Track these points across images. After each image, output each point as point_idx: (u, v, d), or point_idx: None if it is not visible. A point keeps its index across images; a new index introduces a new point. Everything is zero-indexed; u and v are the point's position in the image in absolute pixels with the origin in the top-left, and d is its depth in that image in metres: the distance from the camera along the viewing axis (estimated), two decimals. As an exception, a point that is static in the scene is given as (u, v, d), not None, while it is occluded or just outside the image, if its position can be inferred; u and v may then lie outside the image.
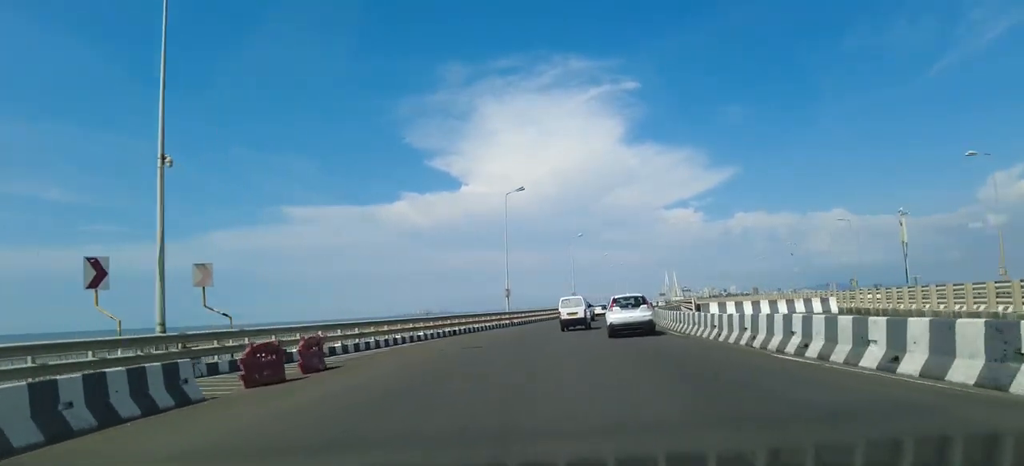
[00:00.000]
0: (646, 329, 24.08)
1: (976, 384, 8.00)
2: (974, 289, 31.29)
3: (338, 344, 22.68)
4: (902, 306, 37.97)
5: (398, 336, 28.65)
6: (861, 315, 15.84)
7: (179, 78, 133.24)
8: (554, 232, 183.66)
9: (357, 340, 24.50)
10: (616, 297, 25.07)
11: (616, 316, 24.17)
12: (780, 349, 14.59)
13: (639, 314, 24.08)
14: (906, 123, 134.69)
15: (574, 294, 35.84)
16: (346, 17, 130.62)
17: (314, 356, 16.75)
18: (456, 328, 36.35)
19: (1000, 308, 27.32)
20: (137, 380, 10.16)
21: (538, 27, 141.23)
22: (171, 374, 11.02)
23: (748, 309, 43.38)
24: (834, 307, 48.12)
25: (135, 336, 15.84)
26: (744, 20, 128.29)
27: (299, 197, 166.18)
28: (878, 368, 10.26)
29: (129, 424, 9.19)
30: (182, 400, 10.86)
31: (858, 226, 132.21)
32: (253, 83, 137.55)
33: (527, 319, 53.81)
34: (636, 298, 24.93)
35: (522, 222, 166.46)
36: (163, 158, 17.11)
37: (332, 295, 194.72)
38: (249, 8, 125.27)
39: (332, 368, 17.04)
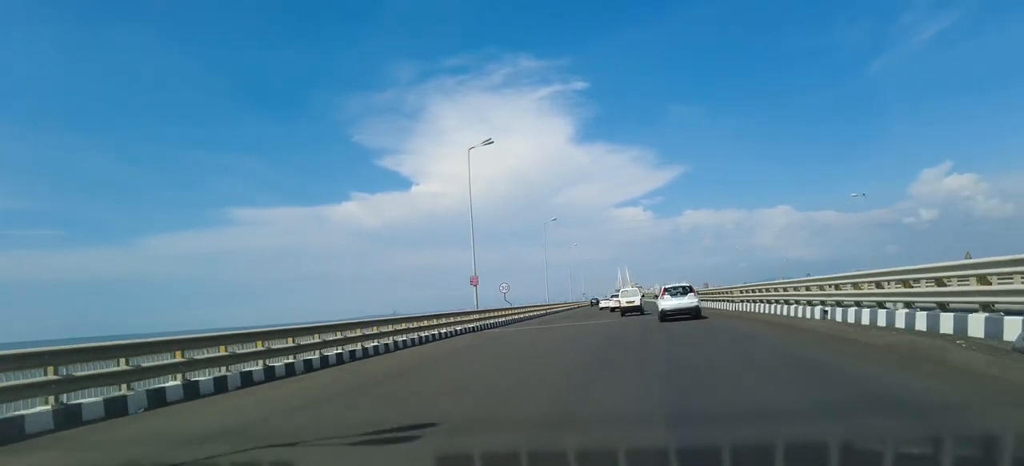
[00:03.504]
0: (693, 313, 25.80)
1: None
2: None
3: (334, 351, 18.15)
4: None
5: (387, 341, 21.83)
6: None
7: (122, 79, 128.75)
8: (505, 231, 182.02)
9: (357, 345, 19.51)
10: (667, 287, 27.13)
11: (667, 303, 26.05)
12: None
13: (687, 301, 26.07)
14: (845, 121, 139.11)
15: (632, 286, 43.04)
16: (292, 14, 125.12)
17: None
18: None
19: None
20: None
21: (488, 26, 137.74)
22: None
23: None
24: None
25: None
26: (690, 21, 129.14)
27: (245, 198, 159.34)
28: None
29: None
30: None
31: (801, 221, 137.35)
32: (197, 82, 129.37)
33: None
34: (684, 287, 26.92)
35: (474, 221, 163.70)
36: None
37: (281, 298, 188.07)
38: (192, 5, 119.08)
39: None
